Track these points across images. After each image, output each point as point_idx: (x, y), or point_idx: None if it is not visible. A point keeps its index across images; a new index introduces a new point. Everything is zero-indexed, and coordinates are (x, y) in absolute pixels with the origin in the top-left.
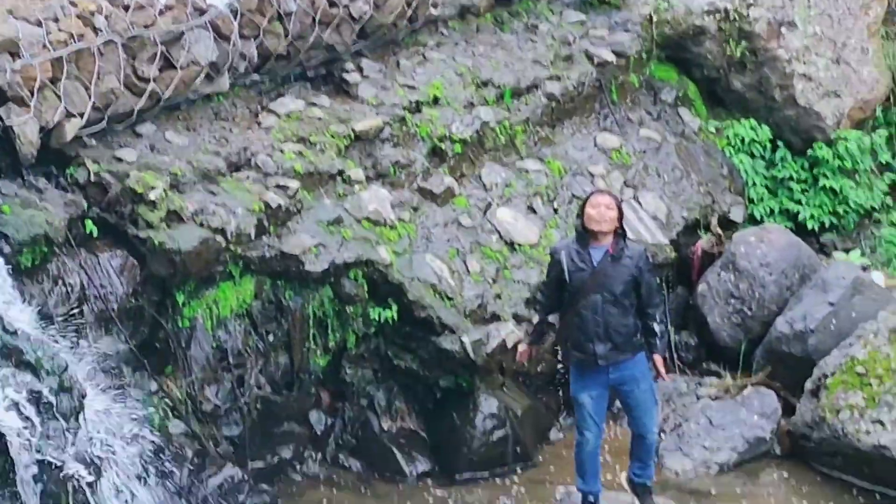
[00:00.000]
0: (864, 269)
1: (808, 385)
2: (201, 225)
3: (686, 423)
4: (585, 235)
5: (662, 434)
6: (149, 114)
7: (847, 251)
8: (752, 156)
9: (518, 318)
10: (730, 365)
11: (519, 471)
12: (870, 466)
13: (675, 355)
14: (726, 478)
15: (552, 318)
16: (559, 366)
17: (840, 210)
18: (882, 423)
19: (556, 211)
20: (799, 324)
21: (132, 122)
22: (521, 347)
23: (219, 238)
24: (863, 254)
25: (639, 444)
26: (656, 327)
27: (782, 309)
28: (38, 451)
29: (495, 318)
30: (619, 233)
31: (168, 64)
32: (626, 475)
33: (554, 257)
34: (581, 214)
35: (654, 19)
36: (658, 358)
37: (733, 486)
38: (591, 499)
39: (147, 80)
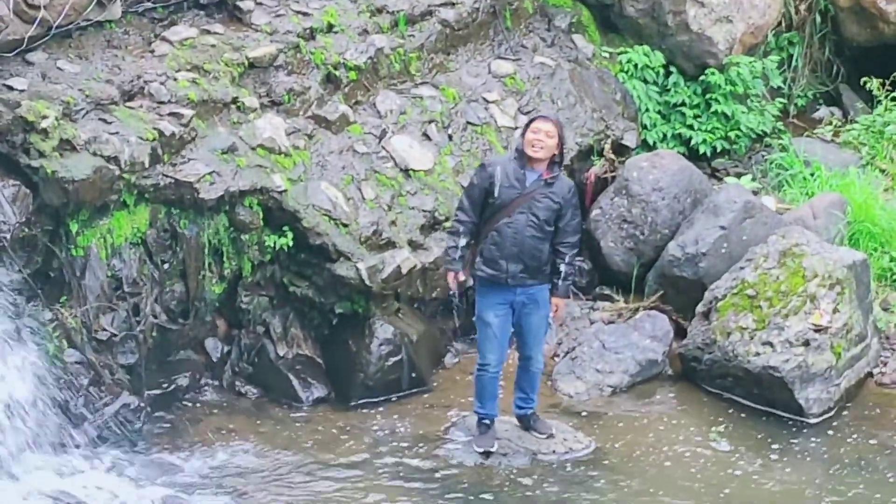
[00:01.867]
0: (755, 193)
1: (700, 308)
2: (94, 154)
3: (579, 347)
4: (523, 157)
5: (556, 358)
6: (40, 42)
7: (739, 176)
8: (646, 81)
9: (413, 245)
10: (623, 289)
11: (414, 396)
12: (759, 387)
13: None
14: (619, 399)
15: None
16: (451, 291)
17: (732, 135)
18: (771, 345)
19: (450, 138)
20: (690, 248)
21: (23, 50)
22: (451, 276)
23: (112, 167)
24: (754, 178)
25: (524, 370)
26: (563, 267)
27: (674, 233)
28: None
29: (390, 244)
30: (556, 161)
31: None
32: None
33: (487, 170)
34: (523, 135)
35: None
36: (558, 301)
37: (625, 407)
38: (487, 421)
39: (37, 8)
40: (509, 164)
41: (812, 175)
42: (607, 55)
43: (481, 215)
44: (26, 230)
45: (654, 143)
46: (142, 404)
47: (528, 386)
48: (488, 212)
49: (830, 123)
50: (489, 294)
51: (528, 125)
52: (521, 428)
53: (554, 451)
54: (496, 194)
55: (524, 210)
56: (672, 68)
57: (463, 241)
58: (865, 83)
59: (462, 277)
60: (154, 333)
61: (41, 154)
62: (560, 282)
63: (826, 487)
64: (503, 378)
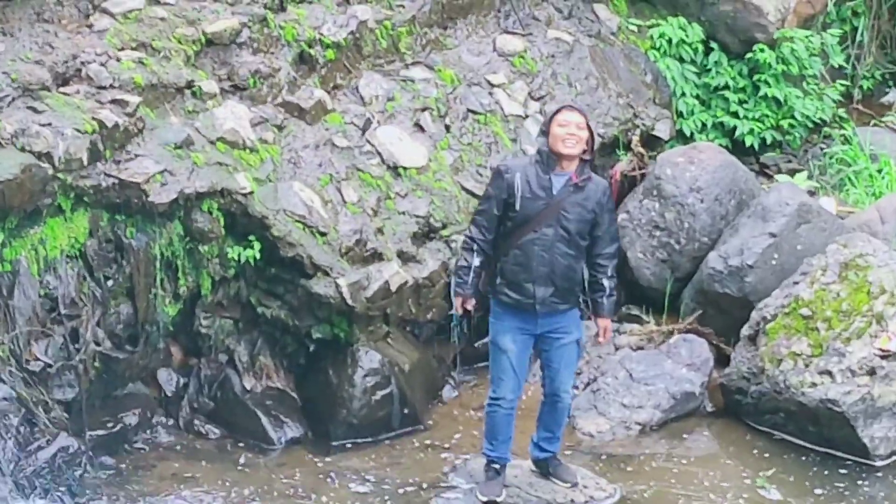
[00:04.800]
0: (812, 193)
1: (745, 331)
2: (22, 149)
3: (602, 378)
4: (550, 159)
5: (575, 390)
6: None
7: (792, 173)
8: (682, 60)
9: (404, 257)
10: (654, 309)
11: (406, 436)
12: (815, 424)
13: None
14: (648, 440)
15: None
16: (451, 311)
17: (784, 124)
18: (830, 374)
19: (447, 129)
20: (735, 259)
21: None
22: (458, 301)
23: (44, 164)
24: (810, 176)
25: (551, 407)
26: (606, 283)
27: (715, 242)
28: None
29: (377, 256)
30: (586, 160)
31: None
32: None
33: (504, 176)
34: (546, 132)
35: None
36: (604, 322)
37: (657, 448)
38: (497, 466)
39: None
40: (530, 169)
41: (879, 172)
42: (635, 29)
43: (499, 228)
44: None
45: (692, 134)
46: (83, 447)
47: (555, 424)
48: (509, 225)
49: None
50: (507, 317)
51: (551, 119)
52: (537, 474)
53: (572, 501)
54: (518, 207)
55: (552, 223)
56: (713, 44)
57: (477, 261)
58: None
59: (471, 305)
60: (97, 363)
61: None
62: (605, 299)
63: None
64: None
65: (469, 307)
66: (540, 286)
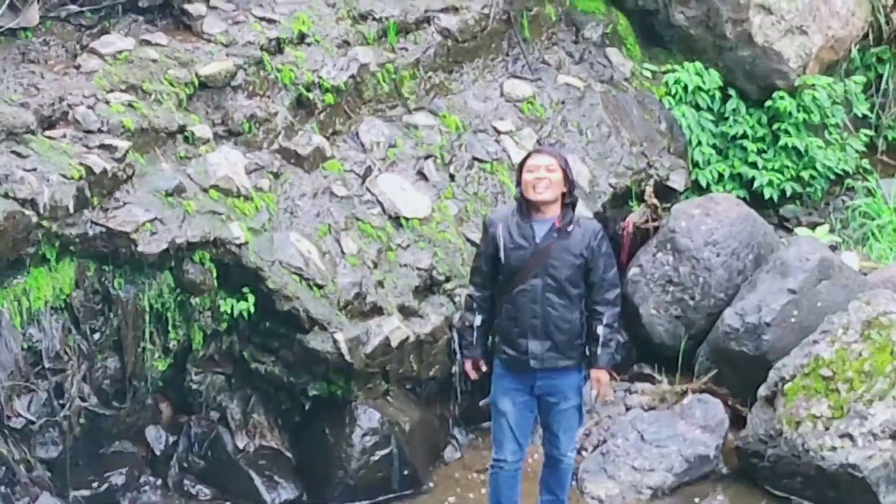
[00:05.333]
0: (833, 248)
1: (763, 391)
2: (6, 196)
3: (612, 440)
4: (526, 206)
5: (583, 453)
6: None
7: (813, 226)
8: (698, 108)
9: (405, 311)
10: (667, 367)
11: (407, 499)
12: (835, 489)
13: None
14: None
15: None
16: (454, 368)
17: (805, 175)
18: (851, 438)
19: (452, 177)
20: (752, 316)
21: None
22: (468, 365)
23: (28, 212)
24: (832, 230)
25: (552, 470)
26: (601, 330)
27: (732, 298)
28: None
29: (376, 310)
30: (568, 202)
31: None
32: None
33: (488, 231)
34: (519, 181)
35: None
36: (600, 374)
37: None
38: None
39: None
40: (512, 219)
41: None
42: (649, 74)
43: (494, 284)
44: None
45: (708, 184)
46: None
47: (558, 486)
48: (501, 280)
49: None
50: (505, 377)
51: (521, 166)
52: None
53: None
54: (503, 258)
55: (539, 273)
56: (731, 91)
57: (478, 320)
58: None
59: (484, 367)
60: (82, 420)
61: None
62: (599, 349)
63: None
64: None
65: (482, 369)
66: (533, 340)
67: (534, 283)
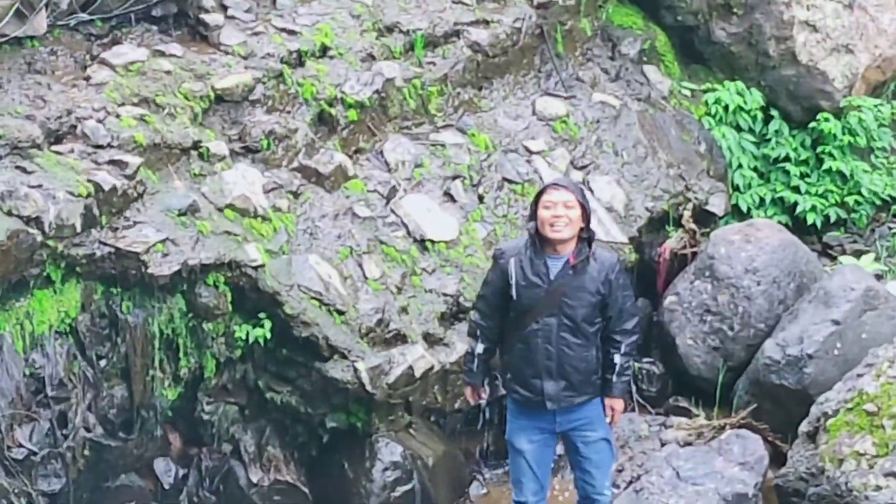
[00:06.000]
0: (879, 277)
1: (804, 427)
2: (9, 213)
3: (646, 476)
4: (540, 241)
5: (615, 489)
6: None
7: (858, 254)
8: (739, 129)
9: (430, 339)
10: (704, 401)
11: None
12: None
13: (634, 387)
14: None
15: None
16: (482, 400)
17: (850, 201)
18: None
19: (481, 199)
20: (793, 348)
21: None
22: (468, 391)
23: (33, 230)
24: (878, 258)
25: None
26: (617, 359)
27: (772, 328)
28: None
29: (400, 338)
30: (584, 237)
31: None
32: None
33: (498, 263)
34: (534, 215)
35: None
36: (615, 402)
37: None
38: None
39: None
40: (525, 254)
41: None
42: (688, 93)
43: (505, 317)
44: None
45: (749, 209)
46: None
47: None
48: (512, 315)
49: None
50: (522, 416)
51: (536, 200)
52: None
53: None
54: (514, 295)
55: (555, 312)
56: (773, 112)
57: (480, 348)
58: None
59: (484, 395)
60: (86, 451)
61: None
62: (615, 377)
63: None
64: None
65: (483, 396)
66: (548, 381)
67: (548, 322)
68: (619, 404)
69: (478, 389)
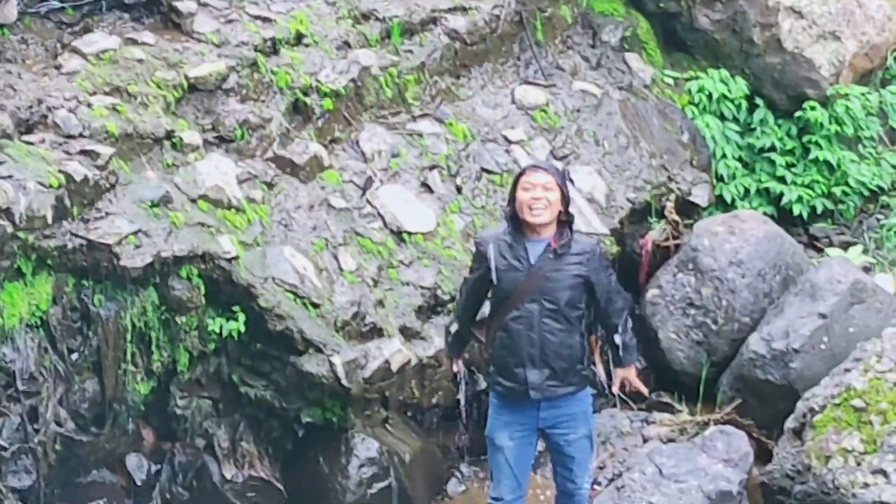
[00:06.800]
0: (867, 269)
1: (790, 423)
2: None
3: (628, 473)
4: (519, 225)
5: (597, 487)
6: None
7: (845, 246)
8: (723, 118)
9: (407, 333)
10: (687, 396)
11: None
12: None
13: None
14: None
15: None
16: (459, 395)
17: (837, 191)
18: (884, 474)
19: (459, 190)
20: (779, 342)
21: None
22: (446, 362)
23: (3, 222)
24: (865, 250)
25: (567, 500)
26: (618, 339)
27: (757, 322)
28: None
29: (376, 332)
30: (564, 220)
31: None
32: None
33: (479, 250)
34: (512, 199)
35: None
36: (627, 372)
37: None
38: None
39: None
40: (503, 238)
41: None
42: (671, 82)
43: (480, 304)
44: None
45: (733, 200)
46: None
47: None
48: (494, 303)
49: None
50: (504, 411)
51: (515, 183)
52: None
53: None
54: (495, 280)
55: (536, 297)
56: (758, 101)
57: (454, 328)
58: None
59: (456, 368)
60: (57, 446)
61: None
62: (622, 353)
63: None
64: None
65: (455, 370)
66: (532, 370)
67: (529, 307)
68: (630, 372)
69: (453, 362)
